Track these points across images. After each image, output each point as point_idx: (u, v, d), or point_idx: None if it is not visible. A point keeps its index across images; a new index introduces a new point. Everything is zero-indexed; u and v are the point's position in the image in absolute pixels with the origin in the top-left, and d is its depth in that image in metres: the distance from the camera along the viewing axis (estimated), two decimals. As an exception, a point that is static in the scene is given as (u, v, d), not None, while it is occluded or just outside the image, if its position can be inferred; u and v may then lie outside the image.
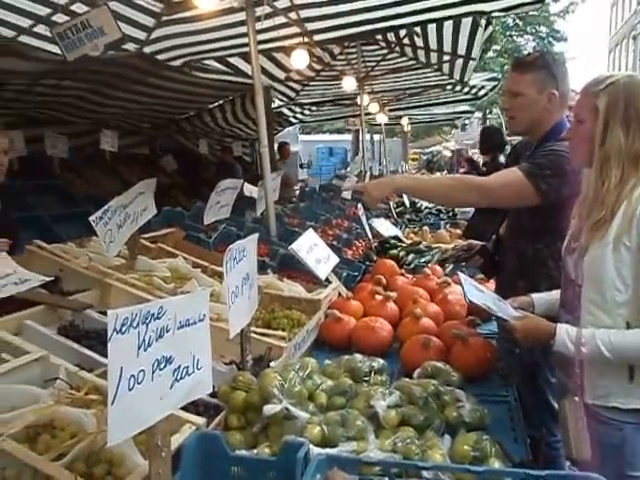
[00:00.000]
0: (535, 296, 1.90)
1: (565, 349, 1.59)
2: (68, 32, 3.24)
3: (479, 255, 2.46)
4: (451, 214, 6.01)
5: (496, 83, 10.43)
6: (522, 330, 1.71)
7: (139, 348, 1.07)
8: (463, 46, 6.84)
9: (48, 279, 2.10)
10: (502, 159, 4.98)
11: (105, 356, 1.70)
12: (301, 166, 15.84)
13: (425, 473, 1.28)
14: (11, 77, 4.20)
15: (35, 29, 3.96)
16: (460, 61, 7.54)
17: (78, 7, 3.86)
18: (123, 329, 1.03)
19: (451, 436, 1.54)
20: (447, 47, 7.00)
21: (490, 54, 19.79)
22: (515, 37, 25.11)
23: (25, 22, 3.89)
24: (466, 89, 9.73)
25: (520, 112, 2.15)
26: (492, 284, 2.59)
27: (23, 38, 3.98)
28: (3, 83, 4.31)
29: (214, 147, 8.80)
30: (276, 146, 8.71)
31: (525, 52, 24.20)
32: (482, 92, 10.22)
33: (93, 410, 1.36)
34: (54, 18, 3.84)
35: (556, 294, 1.84)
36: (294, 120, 11.20)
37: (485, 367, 2.04)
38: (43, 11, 3.81)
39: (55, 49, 3.71)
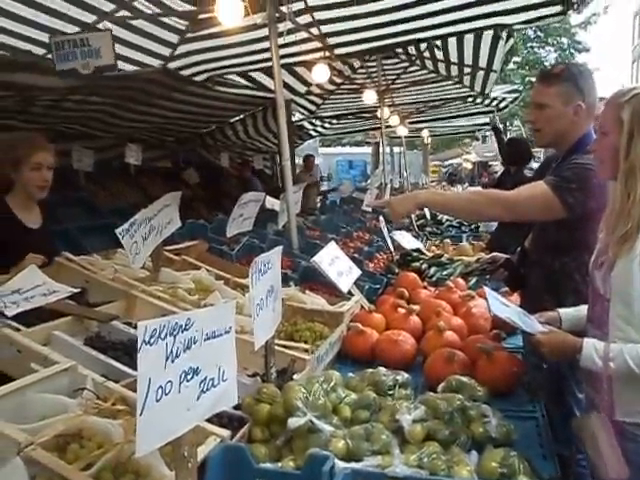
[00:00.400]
0: (562, 311, 1.88)
1: (592, 364, 1.56)
2: (65, 43, 3.34)
3: (503, 268, 2.44)
4: (473, 227, 5.96)
5: (517, 95, 10.37)
6: (548, 344, 1.68)
7: (167, 359, 1.08)
8: (484, 58, 6.83)
9: (75, 290, 2.15)
10: (526, 172, 4.93)
11: (130, 367, 1.73)
12: (321, 179, 15.88)
13: (452, 489, 1.26)
14: (41, 93, 4.31)
15: (64, 47, 4.07)
16: (481, 73, 7.53)
17: (104, 25, 3.97)
18: (152, 340, 1.04)
19: (477, 452, 1.52)
20: (468, 60, 6.99)
21: (511, 66, 19.68)
22: (536, 49, 24.95)
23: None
24: (487, 101, 9.69)
25: (546, 124, 2.13)
26: (516, 297, 2.56)
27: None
28: (34, 99, 4.42)
29: (235, 160, 8.89)
30: (299, 160, 8.75)
31: (546, 64, 24.04)
32: (503, 104, 10.17)
33: (120, 420, 1.37)
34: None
35: (583, 309, 1.80)
36: (314, 133, 11.28)
37: (511, 382, 2.01)
38: (72, 29, 3.92)
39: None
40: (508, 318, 1.76)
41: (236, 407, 1.58)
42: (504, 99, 9.99)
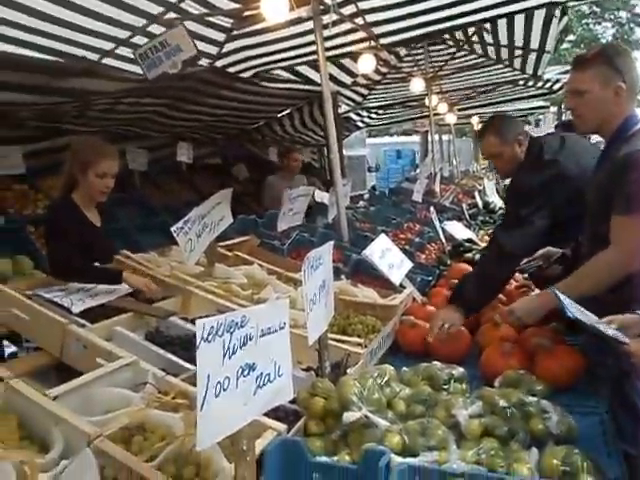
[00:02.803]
0: None
1: None
2: (148, 52, 3.43)
3: (558, 263, 2.34)
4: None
5: (573, 75, 9.91)
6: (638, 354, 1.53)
7: (224, 356, 1.10)
8: (536, 39, 6.56)
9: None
10: None
11: (188, 361, 1.79)
12: (369, 169, 15.80)
13: (512, 487, 1.23)
14: (97, 97, 4.48)
15: (117, 51, 4.21)
16: (533, 55, 7.25)
17: (155, 28, 4.07)
18: (210, 337, 1.06)
19: (538, 449, 1.47)
20: (519, 41, 6.74)
21: (565, 45, 18.86)
22: (592, 25, 23.77)
23: (108, 45, 4.15)
24: (540, 83, 9.33)
25: (586, 110, 2.05)
26: None
27: (107, 60, 4.24)
28: (90, 103, 4.60)
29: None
30: (346, 151, 8.42)
31: (603, 41, 22.84)
32: (557, 86, 9.75)
33: (180, 414, 1.42)
34: (134, 40, 4.07)
35: None
36: (361, 124, 11.19)
37: (572, 377, 1.94)
38: (124, 34, 4.04)
39: (135, 69, 3.93)
40: (588, 322, 1.59)
41: (291, 401, 1.60)
42: (558, 81, 9.57)
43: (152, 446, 1.32)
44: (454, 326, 2.24)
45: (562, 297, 1.66)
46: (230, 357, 1.11)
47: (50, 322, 1.86)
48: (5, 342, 2.63)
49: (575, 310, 1.63)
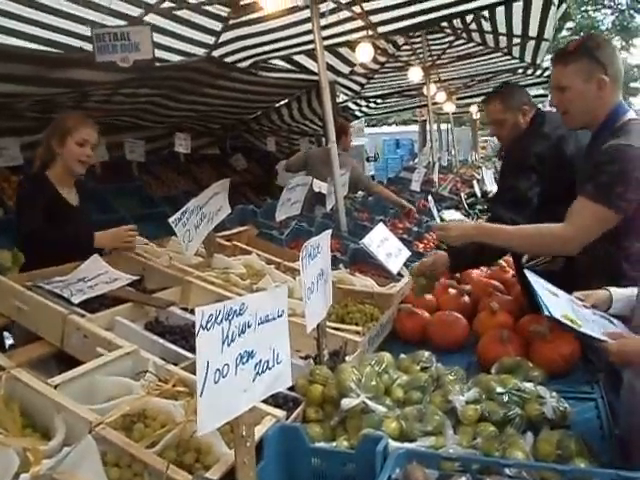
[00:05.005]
0: (614, 291, 1.72)
1: None
2: (106, 36, 3.39)
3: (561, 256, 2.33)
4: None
5: (571, 63, 9.88)
6: (618, 354, 1.48)
7: (223, 343, 1.12)
8: (534, 27, 6.53)
9: (134, 278, 2.25)
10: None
11: (188, 350, 1.80)
12: (367, 159, 15.74)
13: (507, 471, 1.25)
14: (94, 88, 4.47)
15: (113, 41, 4.19)
16: (532, 43, 7.22)
17: (151, 18, 4.05)
18: (208, 325, 1.08)
19: (533, 433, 1.50)
20: (517, 29, 6.72)
21: (564, 33, 18.74)
22: (591, 12, 23.59)
23: (104, 35, 4.12)
24: (538, 72, 9.30)
25: (571, 106, 2.02)
26: None
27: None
28: (87, 94, 4.59)
29: (281, 144, 8.94)
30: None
31: (603, 28, 22.71)
32: (556, 74, 9.71)
33: (180, 401, 1.44)
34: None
35: (635, 291, 1.67)
36: (359, 114, 11.17)
37: (568, 364, 1.96)
38: (120, 24, 4.02)
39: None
40: (566, 320, 1.54)
41: (290, 388, 1.62)
42: (557, 69, 9.53)
43: (153, 433, 1.34)
44: (433, 265, 2.38)
45: (534, 284, 1.64)
46: (229, 345, 1.13)
47: (51, 312, 1.87)
48: (5, 333, 2.65)
49: (551, 302, 1.58)
